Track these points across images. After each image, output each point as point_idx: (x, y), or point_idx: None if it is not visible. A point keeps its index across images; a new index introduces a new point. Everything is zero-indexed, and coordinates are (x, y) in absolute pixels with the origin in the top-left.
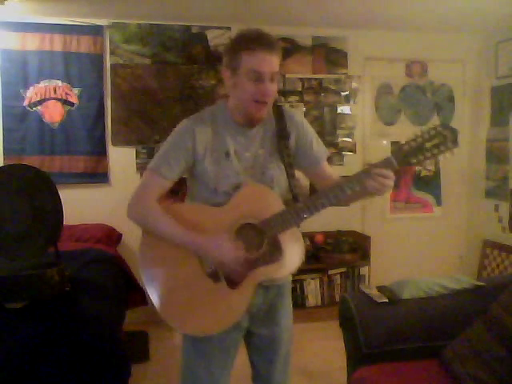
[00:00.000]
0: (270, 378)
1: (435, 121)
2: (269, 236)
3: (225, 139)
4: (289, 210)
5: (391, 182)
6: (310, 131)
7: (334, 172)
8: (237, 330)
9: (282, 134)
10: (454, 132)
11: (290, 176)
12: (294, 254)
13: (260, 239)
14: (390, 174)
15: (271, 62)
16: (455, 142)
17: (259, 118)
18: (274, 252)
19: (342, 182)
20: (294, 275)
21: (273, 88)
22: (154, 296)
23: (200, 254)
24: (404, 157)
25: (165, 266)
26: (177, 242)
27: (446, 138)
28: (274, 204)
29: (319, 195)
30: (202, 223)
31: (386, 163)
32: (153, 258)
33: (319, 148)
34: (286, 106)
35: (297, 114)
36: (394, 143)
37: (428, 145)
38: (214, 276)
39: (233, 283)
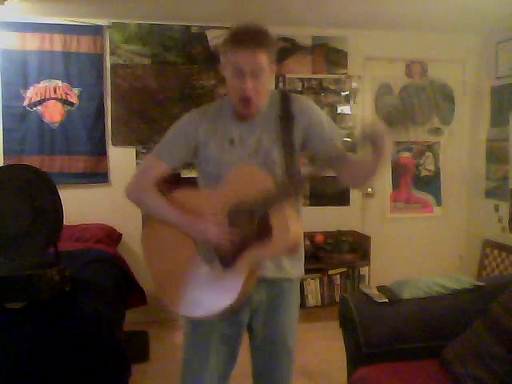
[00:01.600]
0: (270, 378)
1: (435, 121)
2: (258, 215)
3: (229, 127)
4: (277, 187)
5: (386, 142)
6: (321, 113)
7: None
8: (237, 324)
9: (284, 115)
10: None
11: (288, 155)
12: (282, 235)
13: (251, 218)
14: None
15: (252, 57)
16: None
17: (248, 115)
18: (265, 231)
19: (331, 152)
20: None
21: (256, 84)
22: (155, 282)
23: (189, 232)
24: (391, 123)
25: (164, 251)
26: (169, 222)
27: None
28: (265, 183)
29: (308, 167)
30: (197, 207)
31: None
32: (154, 243)
33: (333, 129)
34: (297, 94)
35: (305, 98)
36: (394, 143)
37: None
38: (209, 258)
39: (227, 264)
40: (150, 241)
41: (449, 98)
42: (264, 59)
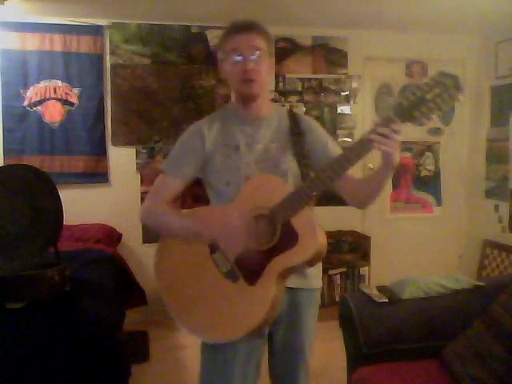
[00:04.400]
0: None
1: (435, 121)
2: (280, 222)
3: (234, 134)
4: (296, 192)
5: (397, 137)
6: (324, 133)
7: (354, 173)
8: (260, 338)
9: (295, 131)
10: (455, 78)
11: (304, 166)
12: (310, 236)
13: (273, 228)
14: (394, 128)
15: (248, 39)
16: (458, 88)
17: (251, 95)
18: (289, 238)
19: (344, 151)
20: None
21: (256, 65)
22: (174, 310)
23: (209, 237)
24: (405, 112)
25: (181, 278)
26: (187, 232)
27: (447, 85)
28: (282, 190)
29: (325, 169)
30: (213, 222)
31: (386, 121)
32: (168, 270)
33: (335, 149)
34: (303, 114)
35: (310, 118)
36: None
37: (429, 96)
38: (232, 275)
39: (251, 278)
40: (166, 270)
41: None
42: (261, 42)
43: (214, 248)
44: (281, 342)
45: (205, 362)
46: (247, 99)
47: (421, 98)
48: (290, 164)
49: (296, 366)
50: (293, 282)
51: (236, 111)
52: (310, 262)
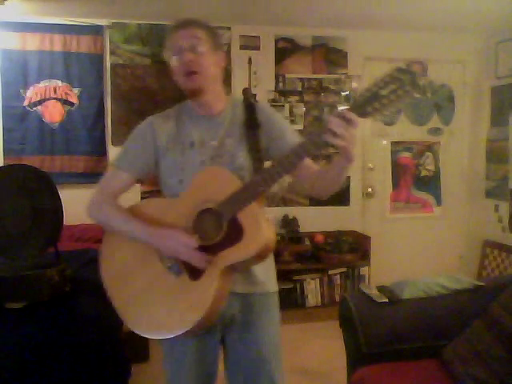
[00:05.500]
0: None
1: (435, 121)
2: (227, 218)
3: (189, 130)
4: (244, 187)
5: (352, 129)
6: (283, 122)
7: (314, 165)
8: (211, 343)
9: (250, 123)
10: (412, 74)
11: (257, 161)
12: (255, 232)
13: (219, 223)
14: (347, 123)
15: (187, 33)
16: (414, 85)
17: (195, 89)
18: (235, 233)
19: (295, 146)
20: (289, 277)
21: (197, 58)
22: (118, 304)
23: (153, 244)
24: (359, 107)
25: (125, 271)
26: (131, 236)
27: (403, 81)
28: (231, 183)
29: (274, 164)
30: (162, 216)
31: (340, 113)
32: (113, 262)
33: (294, 138)
34: (261, 102)
35: (268, 106)
36: (394, 143)
37: (384, 92)
38: (175, 270)
39: (196, 274)
40: (111, 263)
41: (449, 98)
42: (202, 34)
43: None
44: (236, 350)
45: (163, 360)
46: (193, 94)
47: (375, 94)
48: (246, 158)
49: (257, 377)
50: (242, 287)
51: (191, 108)
52: (257, 258)
